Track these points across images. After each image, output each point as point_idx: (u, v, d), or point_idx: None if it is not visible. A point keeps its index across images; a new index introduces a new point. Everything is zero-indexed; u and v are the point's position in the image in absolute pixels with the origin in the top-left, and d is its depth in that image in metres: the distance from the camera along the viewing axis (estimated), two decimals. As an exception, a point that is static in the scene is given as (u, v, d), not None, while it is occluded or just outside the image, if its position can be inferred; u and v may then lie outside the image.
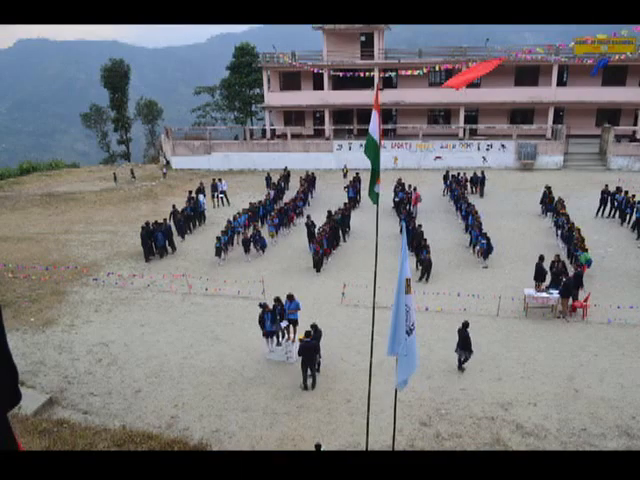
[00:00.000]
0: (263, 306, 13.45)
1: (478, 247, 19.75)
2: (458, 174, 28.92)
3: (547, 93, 36.89)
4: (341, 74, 36.01)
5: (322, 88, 39.27)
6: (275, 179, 30.33)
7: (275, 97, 40.74)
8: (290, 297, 13.67)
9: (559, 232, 20.82)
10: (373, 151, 7.85)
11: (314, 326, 12.59)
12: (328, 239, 20.26)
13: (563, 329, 14.84)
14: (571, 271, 16.90)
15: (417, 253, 19.29)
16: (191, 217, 24.88)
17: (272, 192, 27.35)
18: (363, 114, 39.44)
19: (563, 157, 33.25)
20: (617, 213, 23.49)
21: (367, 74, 35.35)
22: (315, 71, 38.13)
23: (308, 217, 21.75)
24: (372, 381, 8.63)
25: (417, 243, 19.58)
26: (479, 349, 13.17)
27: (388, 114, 40.49)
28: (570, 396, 11.73)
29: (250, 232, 22.09)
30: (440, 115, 41.16)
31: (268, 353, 13.69)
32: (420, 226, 20.54)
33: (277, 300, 13.74)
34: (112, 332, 15.32)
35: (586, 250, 17.47)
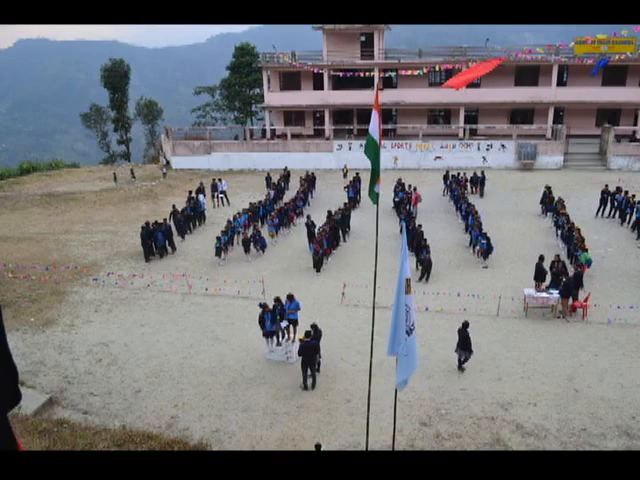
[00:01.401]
0: (263, 306, 13.45)
1: (478, 247, 19.75)
2: (458, 174, 28.92)
3: (547, 93, 36.89)
4: (341, 74, 36.00)
5: (322, 88, 39.27)
6: (275, 179, 30.33)
7: (275, 97, 40.74)
8: (290, 297, 13.67)
9: (559, 232, 20.82)
10: (373, 151, 7.85)
11: (314, 326, 12.59)
12: (328, 239, 20.26)
13: (563, 329, 14.84)
14: (571, 271, 16.90)
15: (417, 253, 19.29)
16: (191, 217, 24.88)
17: (272, 192, 27.35)
18: (363, 114, 39.44)
19: (563, 157, 33.25)
20: (617, 213, 23.49)
21: (367, 74, 35.35)
22: (315, 71, 38.13)
23: (308, 217, 21.75)
24: (372, 381, 8.63)
25: (417, 243, 19.58)
26: (479, 349, 13.17)
27: (388, 114, 40.49)
28: (570, 396, 11.73)
29: (250, 232, 22.08)
30: (440, 115, 41.16)
31: (268, 353, 13.69)
32: (420, 226, 20.54)
33: (277, 300, 13.74)
34: (112, 332, 15.32)
35: (586, 250, 17.47)
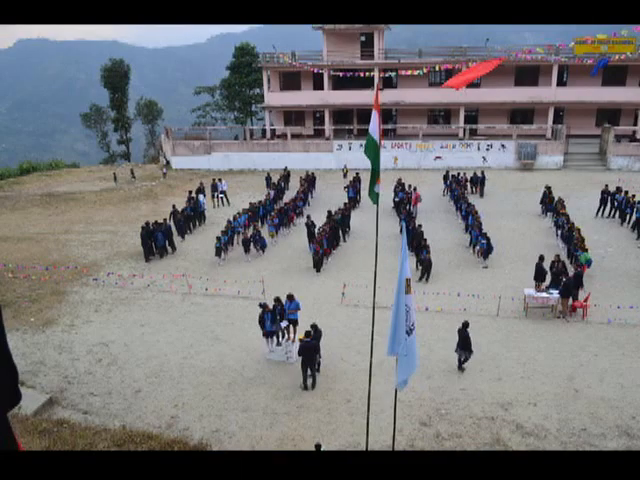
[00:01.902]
0: (263, 306, 13.45)
1: (478, 247, 19.75)
2: (458, 174, 28.92)
3: (547, 93, 36.89)
4: (341, 74, 36.01)
5: (322, 88, 39.27)
6: (275, 179, 30.33)
7: (275, 97, 40.74)
8: (290, 297, 13.67)
9: (559, 232, 20.82)
10: (373, 151, 7.85)
11: (314, 326, 12.59)
12: (328, 239, 20.26)
13: (563, 329, 14.84)
14: (571, 271, 16.90)
15: (417, 253, 19.29)
16: (191, 217, 24.88)
17: (272, 192, 27.35)
18: (363, 114, 39.44)
19: (563, 157, 33.25)
20: (617, 213, 23.49)
21: (367, 74, 35.34)
22: (315, 71, 38.13)
23: (308, 217, 21.75)
24: (372, 381, 8.63)
25: (417, 243, 19.58)
26: (479, 349, 13.17)
27: (388, 114, 40.49)
28: (570, 396, 11.73)
29: (250, 232, 22.09)
30: (440, 115, 41.16)
31: (268, 353, 13.69)
32: (420, 226, 20.53)
33: (277, 300, 13.74)
34: (112, 332, 15.32)
35: (586, 250, 17.47)
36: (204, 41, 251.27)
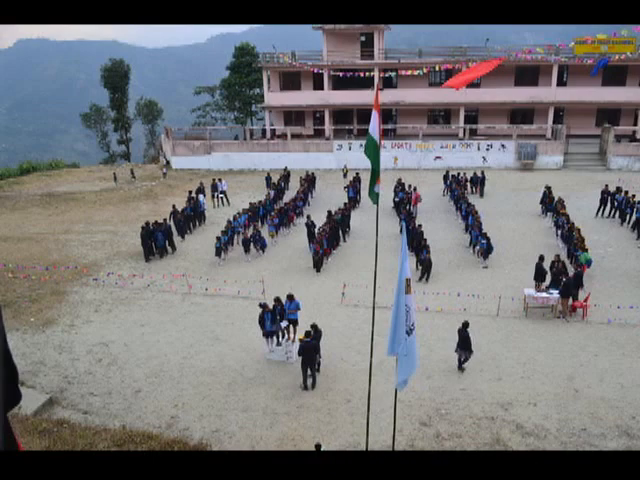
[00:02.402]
0: (263, 306, 13.45)
1: (478, 247, 19.76)
2: (458, 174, 28.92)
3: (547, 93, 36.89)
4: (341, 74, 36.04)
5: (322, 88, 39.28)
6: (275, 179, 30.34)
7: (275, 97, 40.74)
8: (290, 297, 13.68)
9: (559, 232, 20.83)
10: (373, 151, 7.86)
11: (314, 326, 12.59)
12: (328, 239, 20.26)
13: (563, 329, 14.84)
14: (571, 271, 16.90)
15: (417, 253, 19.29)
16: (191, 217, 24.87)
17: (272, 192, 27.36)
18: (363, 114, 39.44)
19: (563, 157, 33.24)
20: (617, 213, 23.49)
21: (367, 74, 35.37)
22: (315, 71, 38.15)
23: (308, 217, 21.75)
24: (372, 381, 8.63)
25: (417, 243, 19.58)
26: (479, 349, 13.17)
27: (388, 114, 40.49)
28: (570, 396, 11.73)
29: (250, 232, 22.09)
30: (440, 115, 41.16)
31: (268, 353, 13.69)
32: (420, 226, 20.53)
33: (277, 300, 13.74)
34: (112, 332, 15.32)
35: (586, 250, 17.47)
36: (204, 41, 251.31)
